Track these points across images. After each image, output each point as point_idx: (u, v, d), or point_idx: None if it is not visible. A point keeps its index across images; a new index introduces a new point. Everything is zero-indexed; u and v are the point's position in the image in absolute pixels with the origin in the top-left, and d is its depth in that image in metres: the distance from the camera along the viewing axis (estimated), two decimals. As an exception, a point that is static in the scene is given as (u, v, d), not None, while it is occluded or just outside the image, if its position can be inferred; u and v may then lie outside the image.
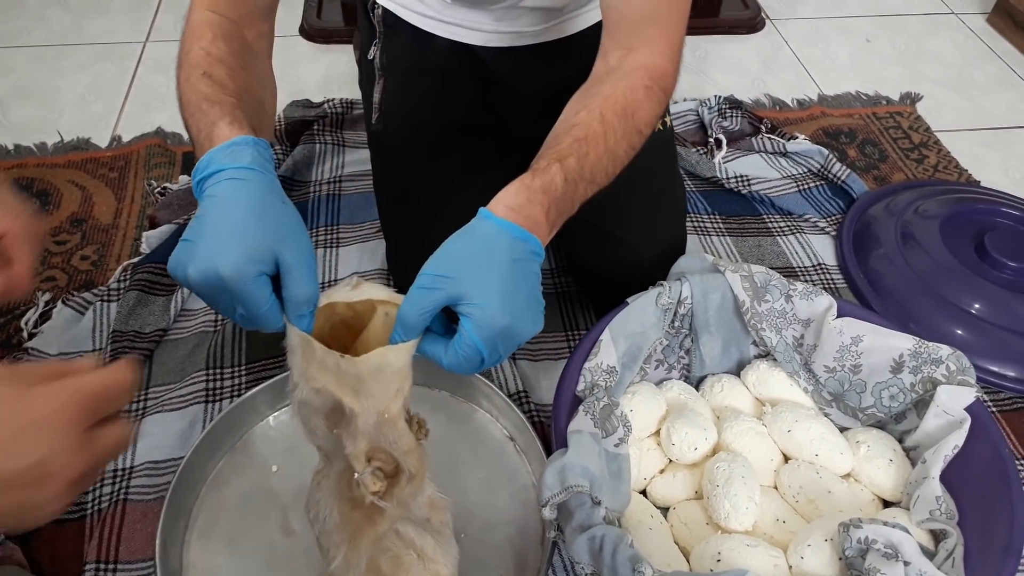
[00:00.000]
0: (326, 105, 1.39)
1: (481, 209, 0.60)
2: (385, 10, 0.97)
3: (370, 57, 1.00)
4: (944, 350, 0.82)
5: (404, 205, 1.01)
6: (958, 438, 0.76)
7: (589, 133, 0.66)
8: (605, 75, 0.73)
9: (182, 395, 0.97)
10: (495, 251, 0.57)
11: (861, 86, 1.53)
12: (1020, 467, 0.95)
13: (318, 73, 1.52)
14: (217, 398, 0.97)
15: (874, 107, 1.48)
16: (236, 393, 0.96)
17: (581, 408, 0.77)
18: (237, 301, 0.52)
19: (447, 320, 0.59)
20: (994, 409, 1.01)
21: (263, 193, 0.55)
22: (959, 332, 1.07)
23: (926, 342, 0.83)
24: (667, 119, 1.01)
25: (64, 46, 1.59)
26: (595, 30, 0.78)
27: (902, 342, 0.84)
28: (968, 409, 0.78)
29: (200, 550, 0.79)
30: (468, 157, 0.98)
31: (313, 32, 1.60)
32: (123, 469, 0.89)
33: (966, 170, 1.34)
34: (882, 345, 0.85)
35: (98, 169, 1.29)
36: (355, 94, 1.44)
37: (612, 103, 0.68)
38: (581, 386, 0.81)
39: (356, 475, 0.58)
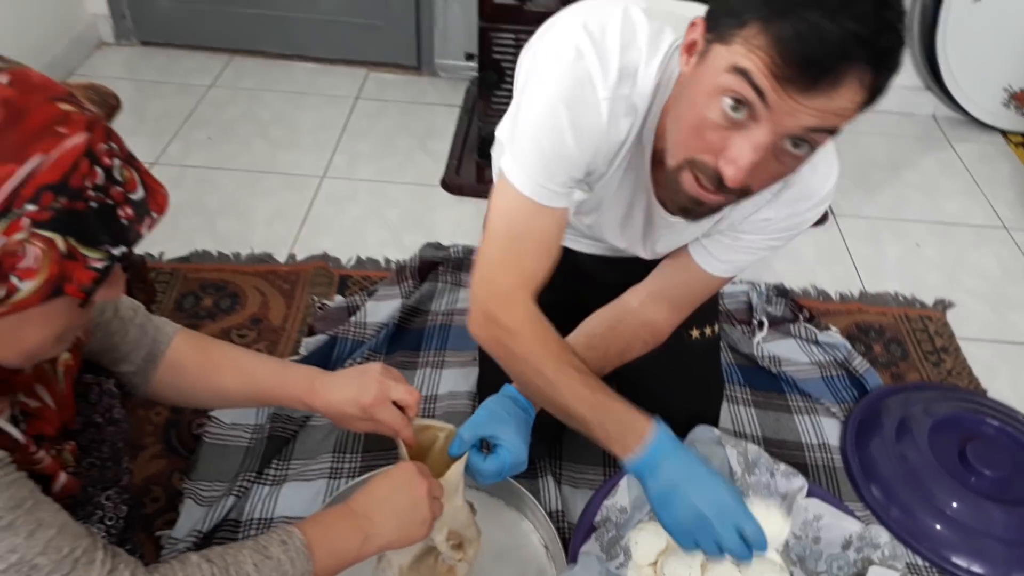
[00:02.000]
0: (451, 249, 1.76)
1: (508, 384, 1.03)
2: None
3: None
4: (883, 537, 1.07)
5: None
6: (878, 609, 1.00)
7: (595, 358, 1.05)
8: (626, 314, 1.08)
9: (313, 469, 1.32)
10: (518, 414, 1.01)
11: (901, 287, 1.77)
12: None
13: (451, 220, 1.90)
14: (338, 476, 1.31)
15: (908, 308, 1.71)
16: (352, 475, 1.30)
17: (594, 535, 1.07)
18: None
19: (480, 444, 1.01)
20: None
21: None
22: (937, 527, 1.28)
23: (870, 527, 1.08)
24: (716, 327, 1.31)
25: (261, 172, 2.05)
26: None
27: (852, 526, 1.09)
28: (890, 587, 1.02)
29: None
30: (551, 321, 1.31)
31: (451, 185, 2.00)
32: (266, 519, 1.24)
33: (977, 378, 1.56)
34: (837, 525, 1.10)
35: (275, 280, 1.70)
36: (476, 242, 1.82)
37: (619, 346, 1.07)
38: (598, 518, 1.10)
39: (441, 554, 0.98)
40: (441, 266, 1.74)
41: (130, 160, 0.65)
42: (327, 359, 1.50)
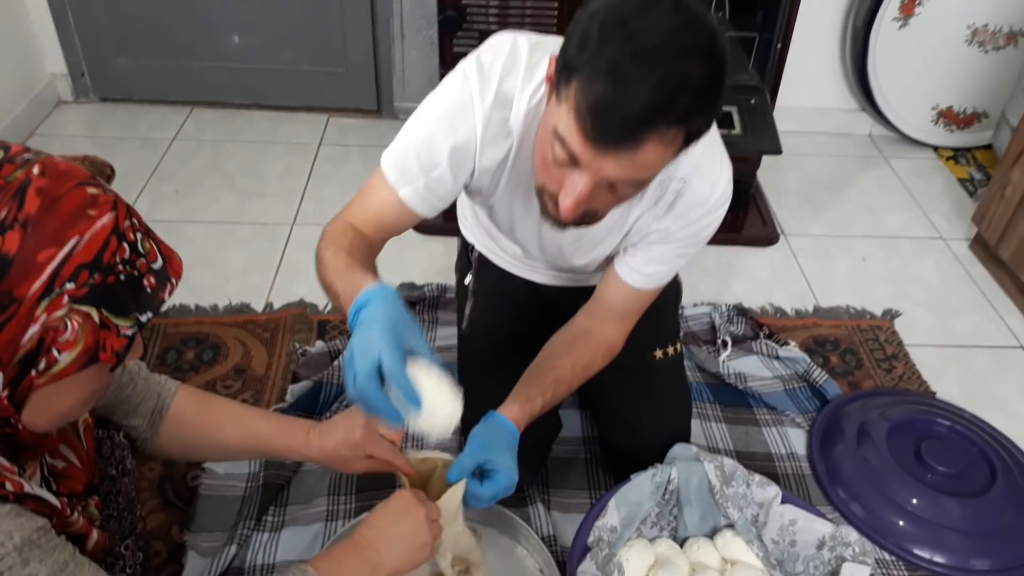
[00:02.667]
0: (426, 288, 1.82)
1: (493, 412, 1.08)
2: (480, 253, 1.39)
3: (466, 283, 1.42)
4: (853, 536, 1.15)
5: (478, 387, 1.40)
6: (853, 602, 1.08)
7: (563, 377, 1.14)
8: (582, 334, 1.18)
9: (309, 513, 1.36)
10: (508, 440, 1.05)
11: (852, 300, 1.89)
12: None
13: (422, 259, 1.96)
14: (334, 518, 1.35)
15: (859, 320, 1.83)
16: (348, 516, 1.35)
17: (588, 555, 1.13)
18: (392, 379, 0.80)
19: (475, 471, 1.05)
20: (914, 584, 1.31)
21: (401, 309, 0.90)
22: (899, 523, 1.38)
23: (841, 528, 1.16)
24: (678, 346, 1.39)
25: (231, 223, 2.09)
26: None
27: (824, 527, 1.17)
28: (863, 582, 1.10)
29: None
30: (526, 358, 1.38)
31: (420, 225, 2.05)
32: (268, 565, 1.27)
33: (926, 381, 1.67)
34: (810, 528, 1.18)
35: (255, 329, 1.74)
36: (449, 280, 1.88)
37: (582, 361, 1.16)
38: (591, 539, 1.16)
39: None
40: (417, 305, 1.80)
41: (148, 232, 0.71)
42: (313, 405, 1.55)
